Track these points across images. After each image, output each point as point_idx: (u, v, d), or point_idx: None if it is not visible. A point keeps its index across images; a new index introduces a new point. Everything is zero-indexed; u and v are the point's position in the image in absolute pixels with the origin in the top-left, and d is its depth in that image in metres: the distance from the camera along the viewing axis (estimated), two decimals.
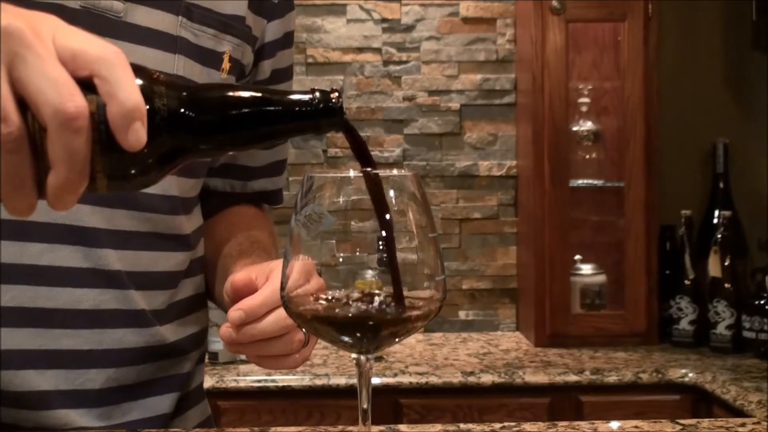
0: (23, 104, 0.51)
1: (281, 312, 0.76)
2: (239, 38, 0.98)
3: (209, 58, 0.95)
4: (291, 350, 0.80)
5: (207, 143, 0.59)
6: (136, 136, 0.52)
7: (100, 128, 0.52)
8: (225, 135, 0.59)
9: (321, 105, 0.60)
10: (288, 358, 0.81)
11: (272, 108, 0.59)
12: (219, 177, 1.09)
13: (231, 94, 0.59)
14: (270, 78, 1.06)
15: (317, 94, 0.60)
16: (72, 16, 0.84)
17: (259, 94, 0.60)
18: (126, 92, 0.52)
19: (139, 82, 0.54)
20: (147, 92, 0.55)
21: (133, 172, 0.55)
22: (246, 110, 0.59)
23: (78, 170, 0.52)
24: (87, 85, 0.52)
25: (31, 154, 0.51)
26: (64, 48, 0.52)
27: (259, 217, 1.11)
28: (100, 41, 0.53)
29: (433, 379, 2.18)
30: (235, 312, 0.77)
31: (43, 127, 0.51)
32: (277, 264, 0.80)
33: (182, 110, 0.57)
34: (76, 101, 0.50)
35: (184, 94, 0.58)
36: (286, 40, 1.07)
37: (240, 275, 0.80)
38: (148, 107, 0.54)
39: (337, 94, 0.60)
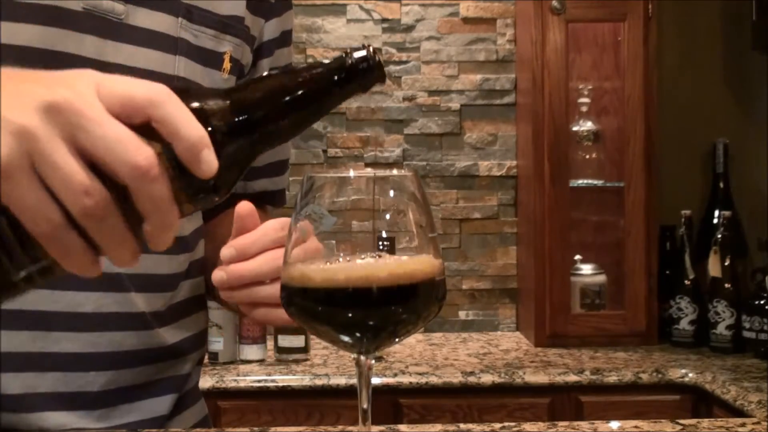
0: (95, 169, 0.52)
1: (274, 253, 0.75)
2: (239, 38, 0.98)
3: (210, 58, 0.95)
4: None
5: (270, 137, 0.60)
6: (208, 163, 0.54)
7: (173, 165, 0.54)
8: (283, 124, 0.60)
9: (362, 66, 0.60)
10: (281, 309, 0.80)
11: (317, 85, 0.60)
12: None
13: (273, 85, 0.60)
14: None
15: (354, 57, 0.60)
16: (74, 19, 0.84)
17: (299, 76, 0.60)
18: (186, 127, 0.53)
19: (192, 105, 0.55)
20: (201, 115, 0.55)
21: (213, 189, 0.57)
22: (294, 96, 0.59)
23: (167, 211, 0.54)
24: (146, 128, 0.53)
25: (121, 211, 0.53)
26: (112, 101, 0.52)
27: (261, 218, 1.11)
28: (142, 83, 0.54)
29: (433, 379, 2.18)
30: (227, 249, 0.77)
31: (122, 184, 0.52)
32: (280, 220, 0.79)
33: (239, 118, 0.57)
34: (144, 153, 0.52)
35: (236, 99, 0.58)
36: (284, 38, 1.07)
37: (243, 203, 0.79)
38: (209, 129, 0.55)
39: (371, 49, 0.61)
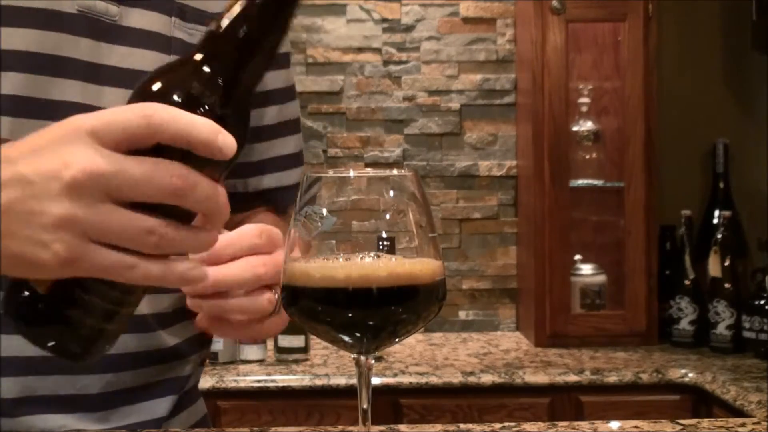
0: (140, 206, 0.54)
1: (252, 260, 0.71)
2: None
3: None
4: (257, 309, 0.71)
5: (255, 75, 0.60)
6: (228, 146, 0.55)
7: (199, 161, 0.55)
8: (261, 57, 0.60)
9: None
10: (252, 326, 0.72)
11: (269, 7, 0.59)
12: None
13: (236, 31, 0.59)
14: None
15: None
16: (69, 22, 0.84)
17: (248, 8, 0.59)
18: (194, 131, 0.54)
19: (178, 100, 0.56)
20: (195, 103, 0.56)
21: (240, 148, 0.58)
22: (251, 25, 0.59)
23: (216, 197, 0.56)
24: (159, 146, 0.54)
25: (182, 221, 0.56)
26: (116, 142, 0.54)
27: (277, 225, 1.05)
28: (130, 109, 0.54)
29: (433, 379, 2.18)
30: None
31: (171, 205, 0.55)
32: (257, 225, 0.76)
33: (223, 82, 0.58)
34: (174, 173, 0.54)
35: (209, 65, 0.58)
36: None
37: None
38: (207, 110, 0.56)
39: None
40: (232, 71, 0.58)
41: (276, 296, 0.71)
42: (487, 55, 2.79)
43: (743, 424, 0.94)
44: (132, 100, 0.57)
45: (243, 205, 1.06)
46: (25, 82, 0.82)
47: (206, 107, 0.56)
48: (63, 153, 0.53)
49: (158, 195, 0.54)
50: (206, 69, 0.58)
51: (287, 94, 1.07)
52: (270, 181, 1.07)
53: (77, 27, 0.85)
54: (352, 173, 0.62)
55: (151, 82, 0.57)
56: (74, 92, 0.84)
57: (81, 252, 0.53)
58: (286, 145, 1.08)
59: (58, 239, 0.52)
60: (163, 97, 0.56)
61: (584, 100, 2.60)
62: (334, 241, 0.62)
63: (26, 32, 0.82)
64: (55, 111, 0.83)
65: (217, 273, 0.69)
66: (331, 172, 0.64)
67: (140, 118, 0.53)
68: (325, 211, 0.62)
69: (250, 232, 0.72)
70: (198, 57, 0.59)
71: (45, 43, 0.83)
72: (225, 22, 0.59)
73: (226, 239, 0.71)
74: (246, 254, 0.71)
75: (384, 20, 2.77)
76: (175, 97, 0.56)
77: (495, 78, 2.79)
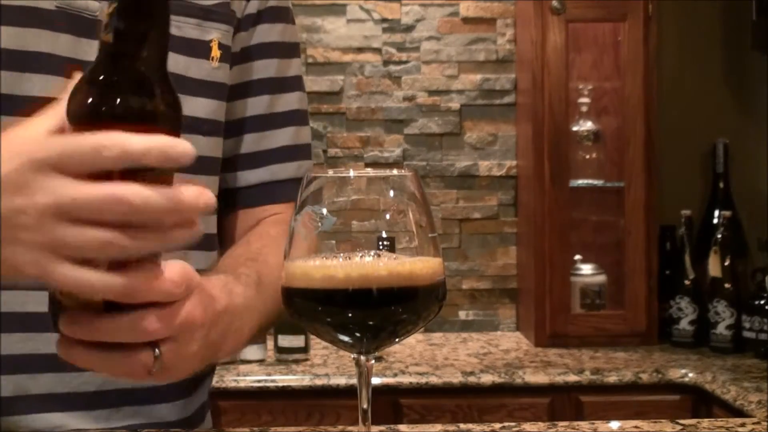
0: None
1: (145, 315, 0.61)
2: (227, 24, 0.96)
3: (196, 48, 0.92)
4: (122, 371, 0.65)
5: (163, 50, 0.60)
6: (185, 154, 0.57)
7: (165, 171, 0.57)
8: (155, 36, 0.59)
9: None
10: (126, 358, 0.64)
11: None
12: None
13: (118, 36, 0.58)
14: (247, 54, 1.01)
15: None
16: (48, 18, 0.84)
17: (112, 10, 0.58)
18: (147, 154, 0.56)
19: (121, 119, 0.56)
20: (143, 114, 0.57)
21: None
22: (129, 16, 0.58)
23: (179, 203, 0.58)
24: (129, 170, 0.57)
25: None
26: (77, 172, 0.57)
27: (273, 244, 0.94)
28: (82, 144, 0.57)
29: (433, 379, 2.18)
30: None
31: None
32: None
33: (141, 83, 0.57)
34: (129, 196, 0.56)
35: (124, 76, 0.58)
36: (263, 15, 1.02)
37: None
38: (154, 110, 0.57)
39: None
40: (146, 67, 0.58)
41: (156, 354, 0.63)
42: (487, 55, 2.79)
43: (743, 424, 0.94)
44: (74, 118, 0.58)
45: (238, 202, 1.03)
46: (4, 79, 0.82)
47: (145, 116, 0.57)
48: (31, 187, 0.57)
49: (116, 217, 0.56)
50: (122, 77, 0.57)
51: (281, 84, 1.03)
52: (263, 174, 1.02)
53: (56, 23, 0.84)
54: (352, 173, 0.62)
55: (84, 104, 0.57)
56: (55, 89, 0.84)
57: (49, 270, 0.58)
58: (280, 137, 1.03)
59: (30, 261, 0.58)
60: (106, 122, 0.56)
61: (584, 100, 2.60)
62: (334, 241, 0.62)
63: (4, 29, 0.82)
64: (36, 108, 0.83)
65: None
66: (331, 172, 0.64)
67: (93, 155, 0.56)
68: (325, 211, 0.62)
69: (170, 277, 0.62)
70: (107, 71, 0.58)
71: (23, 39, 0.83)
72: (110, 28, 0.58)
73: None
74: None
75: (384, 20, 2.77)
76: (118, 118, 0.56)
77: (495, 78, 2.79)
